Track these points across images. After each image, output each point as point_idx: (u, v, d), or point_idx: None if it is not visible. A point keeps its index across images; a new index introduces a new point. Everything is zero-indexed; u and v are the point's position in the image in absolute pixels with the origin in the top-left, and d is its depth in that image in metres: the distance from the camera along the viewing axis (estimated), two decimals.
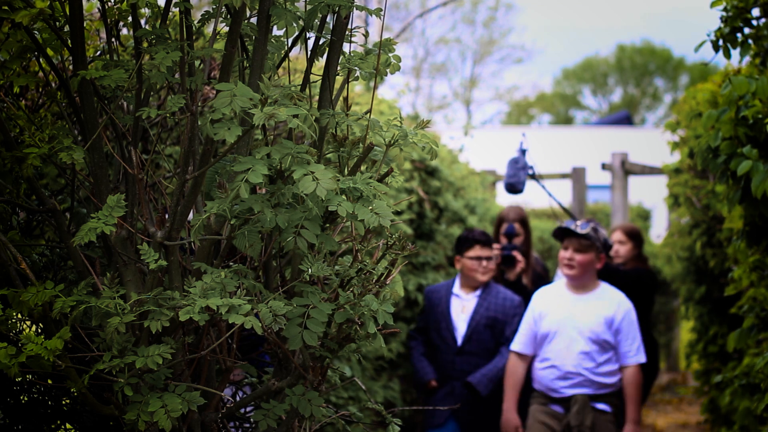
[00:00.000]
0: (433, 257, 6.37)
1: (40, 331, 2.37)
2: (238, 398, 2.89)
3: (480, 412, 5.20)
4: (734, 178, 3.72)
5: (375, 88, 2.58)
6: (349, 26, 2.45)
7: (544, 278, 6.16)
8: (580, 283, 4.95)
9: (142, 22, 2.83)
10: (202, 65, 2.57)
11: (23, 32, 2.47)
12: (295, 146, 2.15)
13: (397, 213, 5.46)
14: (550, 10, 67.62)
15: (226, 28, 2.38)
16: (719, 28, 4.07)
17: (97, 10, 3.22)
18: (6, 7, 2.33)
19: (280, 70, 2.75)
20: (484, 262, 5.30)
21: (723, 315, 6.54)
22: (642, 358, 4.85)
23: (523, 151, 6.09)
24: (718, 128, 3.75)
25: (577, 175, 9.52)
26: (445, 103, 33.97)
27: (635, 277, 6.16)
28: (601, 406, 4.84)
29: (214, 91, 2.15)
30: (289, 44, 2.56)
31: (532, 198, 9.01)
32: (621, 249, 6.54)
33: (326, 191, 2.07)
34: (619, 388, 4.87)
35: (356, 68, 2.47)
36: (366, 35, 2.58)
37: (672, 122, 6.75)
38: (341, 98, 2.51)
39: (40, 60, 2.65)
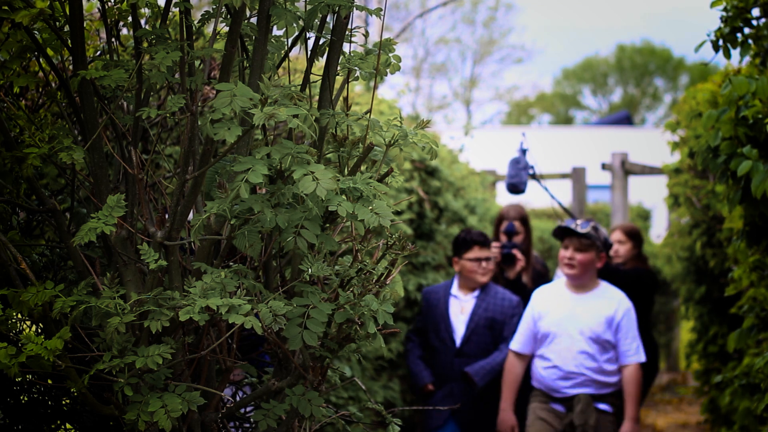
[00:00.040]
0: (433, 257, 6.37)
1: (40, 331, 2.37)
2: (238, 398, 2.89)
3: (479, 413, 5.19)
4: (734, 178, 3.72)
5: (375, 88, 2.58)
6: (349, 26, 2.45)
7: (544, 277, 6.15)
8: (581, 282, 4.93)
9: (142, 22, 2.83)
10: (202, 65, 2.57)
11: (23, 32, 2.47)
12: (295, 146, 2.15)
13: (397, 213, 5.45)
14: (550, 10, 67.65)
15: (226, 28, 2.38)
16: (719, 28, 4.07)
17: (97, 10, 3.22)
18: (6, 7, 2.33)
19: (280, 70, 2.75)
20: (484, 263, 5.28)
21: (723, 315, 6.54)
22: (641, 358, 4.84)
23: (523, 151, 6.08)
24: (718, 128, 3.75)
25: (577, 175, 9.52)
26: (445, 103, 33.99)
27: (635, 277, 6.15)
28: (602, 406, 4.84)
29: (214, 91, 2.15)
30: (289, 44, 2.56)
31: (533, 198, 9.01)
32: (621, 249, 6.53)
33: (326, 191, 2.07)
34: (619, 388, 4.87)
35: (356, 68, 2.47)
36: (366, 35, 2.58)
37: (672, 122, 6.75)
38: (341, 98, 2.51)
39: (40, 60, 2.65)
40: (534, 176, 6.17)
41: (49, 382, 2.56)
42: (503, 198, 11.30)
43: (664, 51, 41.59)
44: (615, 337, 4.83)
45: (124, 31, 3.17)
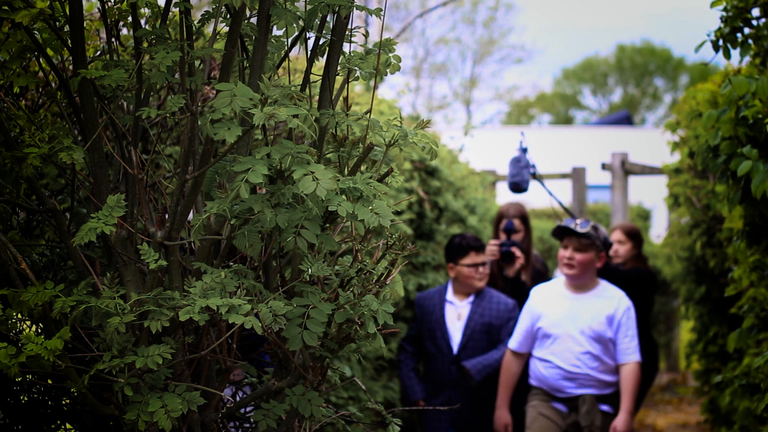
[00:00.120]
0: (433, 257, 6.37)
1: (40, 331, 2.37)
2: (238, 398, 2.89)
3: (478, 421, 5.15)
4: (734, 178, 3.72)
5: (375, 88, 2.58)
6: (349, 26, 2.45)
7: (543, 275, 6.12)
8: (580, 282, 4.91)
9: (142, 22, 2.83)
10: (202, 65, 2.57)
11: (23, 32, 2.47)
12: (295, 146, 2.15)
13: (397, 213, 5.44)
14: (550, 10, 67.65)
15: (226, 28, 2.38)
16: (719, 28, 4.07)
17: (97, 10, 3.22)
18: (6, 7, 2.33)
19: (280, 70, 2.75)
20: (480, 268, 5.21)
21: (723, 315, 6.54)
22: (638, 357, 4.82)
23: (524, 150, 6.05)
24: (718, 128, 3.75)
25: (577, 175, 9.52)
26: (445, 103, 33.99)
27: (635, 277, 6.14)
28: (604, 407, 4.83)
29: (214, 91, 2.15)
30: (289, 44, 2.56)
31: (533, 198, 9.01)
32: (620, 249, 6.52)
33: (326, 191, 2.06)
34: (619, 389, 4.86)
35: (356, 68, 2.47)
36: (366, 35, 2.58)
37: (672, 122, 6.75)
38: (341, 98, 2.51)
39: (40, 60, 2.65)
40: (535, 175, 6.15)
41: (49, 382, 2.56)
42: (503, 198, 11.30)
43: (664, 51, 41.59)
44: (615, 336, 4.82)
45: (124, 31, 3.17)
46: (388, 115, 5.75)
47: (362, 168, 2.43)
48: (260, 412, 2.40)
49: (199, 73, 2.41)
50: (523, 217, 5.96)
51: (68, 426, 2.77)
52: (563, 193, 9.78)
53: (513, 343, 4.99)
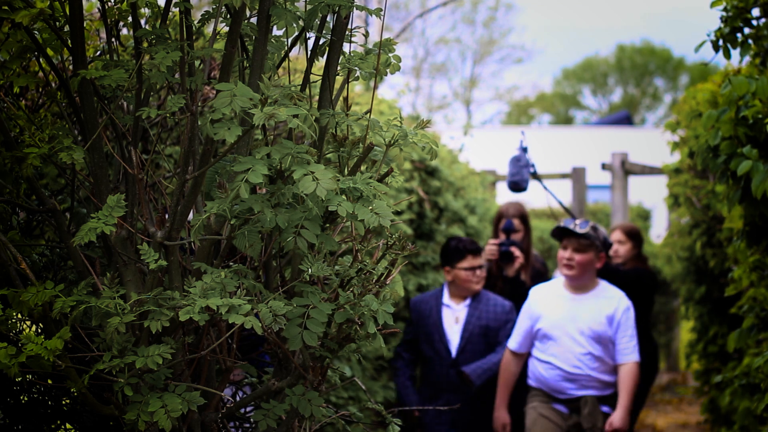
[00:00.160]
0: (433, 257, 6.36)
1: (40, 331, 2.37)
2: (238, 398, 2.89)
3: (478, 424, 5.13)
4: (734, 178, 3.72)
5: (375, 88, 2.58)
6: (349, 26, 2.45)
7: (543, 275, 6.10)
8: (580, 283, 4.89)
9: (142, 22, 2.83)
10: (202, 65, 2.57)
11: (23, 32, 2.47)
12: (295, 146, 2.15)
13: (397, 213, 5.43)
14: (550, 10, 67.65)
15: (226, 28, 2.38)
16: (719, 28, 4.07)
17: (97, 10, 3.22)
18: (6, 7, 2.33)
19: (280, 70, 2.75)
20: (478, 272, 5.18)
21: (723, 315, 6.54)
22: (637, 357, 4.80)
23: (524, 149, 6.03)
24: (718, 128, 3.75)
25: (577, 175, 9.53)
26: (445, 103, 33.98)
27: (635, 277, 6.13)
28: (605, 408, 4.81)
29: (214, 91, 2.15)
30: (289, 44, 2.56)
31: (533, 198, 9.02)
32: (620, 249, 6.51)
33: (326, 191, 2.06)
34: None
35: (356, 68, 2.47)
36: (366, 35, 2.58)
37: (672, 122, 6.75)
38: (341, 98, 2.51)
39: (40, 60, 2.65)
40: (535, 174, 6.12)
41: (49, 382, 2.56)
42: (503, 198, 11.30)
43: (664, 51, 41.60)
44: (614, 336, 4.81)
45: (124, 31, 3.17)
46: (388, 115, 5.74)
47: (362, 168, 2.43)
48: (260, 412, 2.40)
49: (199, 73, 2.41)
50: (523, 217, 5.94)
51: (68, 426, 2.77)
52: (563, 193, 9.78)
53: (512, 343, 4.97)
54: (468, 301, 5.20)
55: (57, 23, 2.48)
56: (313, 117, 2.22)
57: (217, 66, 3.28)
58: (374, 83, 2.50)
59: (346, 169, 2.45)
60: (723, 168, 3.77)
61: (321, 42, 2.51)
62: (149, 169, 2.42)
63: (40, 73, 2.73)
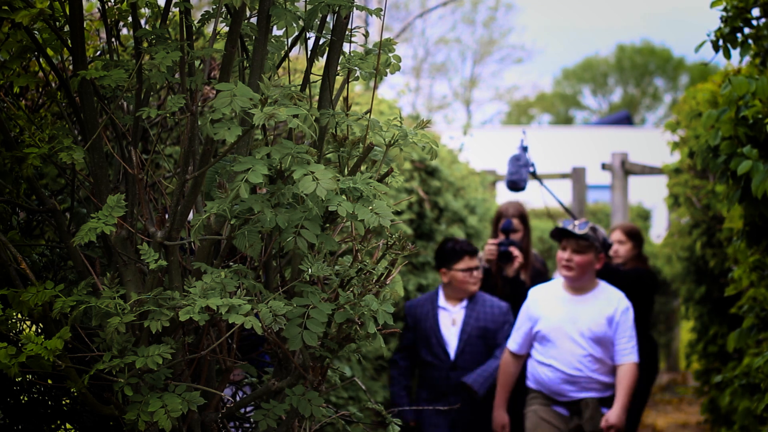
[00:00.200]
0: (433, 257, 6.36)
1: (40, 331, 2.37)
2: (238, 398, 2.89)
3: (479, 425, 5.11)
4: (734, 177, 3.72)
5: (375, 88, 2.58)
6: (349, 26, 2.45)
7: (543, 274, 6.08)
8: (579, 284, 4.85)
9: (142, 22, 2.83)
10: (202, 65, 2.57)
11: (23, 32, 2.47)
12: (295, 146, 2.15)
13: (397, 213, 5.42)
14: (550, 10, 67.64)
15: (226, 28, 2.38)
16: (719, 28, 4.07)
17: (97, 10, 3.22)
18: (6, 7, 2.33)
19: (280, 70, 2.75)
20: (475, 272, 5.14)
21: (723, 315, 6.54)
22: (635, 358, 4.77)
23: (524, 148, 5.99)
24: (718, 128, 3.75)
25: (577, 175, 9.53)
26: (445, 103, 33.98)
27: (635, 278, 6.11)
28: (605, 411, 4.79)
29: (214, 91, 2.15)
30: (289, 44, 2.56)
31: (533, 198, 9.02)
32: (621, 249, 6.49)
33: (326, 191, 2.06)
34: None
35: (356, 68, 2.47)
36: (366, 35, 2.58)
37: (672, 122, 6.75)
38: (341, 98, 2.51)
39: (40, 60, 2.65)
40: (534, 174, 6.10)
41: (49, 382, 2.56)
42: (503, 198, 11.30)
43: (664, 51, 41.60)
44: (614, 336, 4.79)
45: (124, 31, 3.17)
46: (388, 115, 5.75)
47: (362, 168, 2.43)
48: (260, 412, 2.40)
49: (199, 73, 2.41)
50: (522, 217, 5.92)
51: (68, 426, 2.77)
52: (563, 193, 9.78)
53: (512, 344, 4.94)
54: (464, 303, 5.16)
55: (57, 23, 2.48)
56: (313, 117, 2.22)
57: (217, 66, 3.28)
58: (374, 83, 2.51)
59: (346, 169, 2.45)
60: (723, 168, 3.77)
61: (321, 42, 2.51)
62: (149, 169, 2.42)
63: (40, 73, 2.73)
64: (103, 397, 2.37)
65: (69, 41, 2.35)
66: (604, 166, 9.22)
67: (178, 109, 2.26)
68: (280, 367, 2.52)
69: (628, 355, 4.76)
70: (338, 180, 2.17)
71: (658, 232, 15.49)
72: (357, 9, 2.39)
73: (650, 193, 15.55)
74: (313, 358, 2.44)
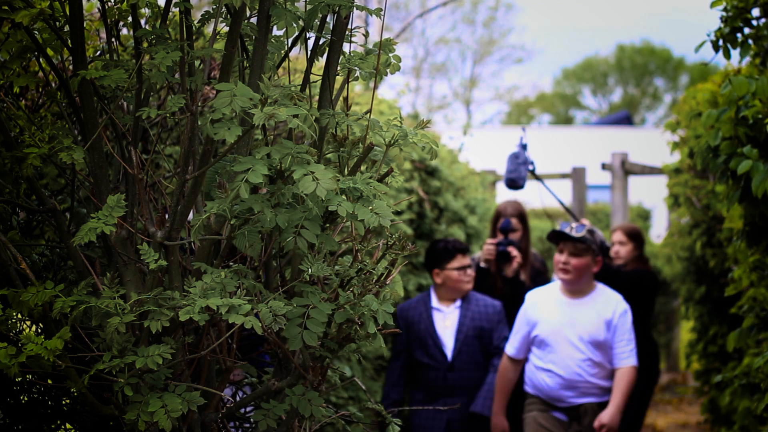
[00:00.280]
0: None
1: (40, 331, 2.37)
2: (238, 398, 2.89)
3: (475, 425, 5.10)
4: (734, 177, 3.72)
5: (375, 88, 2.58)
6: (349, 26, 2.45)
7: (542, 274, 6.05)
8: (576, 287, 4.81)
9: (142, 22, 2.83)
10: (202, 65, 2.57)
11: (23, 32, 2.47)
12: (295, 146, 2.15)
13: (397, 213, 5.41)
14: (550, 10, 67.64)
15: (226, 28, 2.38)
16: (719, 28, 4.07)
17: (97, 10, 3.22)
18: (6, 7, 2.33)
19: (280, 70, 2.75)
20: (468, 270, 5.11)
21: (723, 315, 6.54)
22: (634, 361, 4.73)
23: (523, 146, 5.96)
24: (718, 128, 3.75)
25: (577, 175, 9.53)
26: (445, 103, 33.98)
27: (635, 279, 6.07)
28: None
29: (214, 91, 2.15)
30: (289, 44, 2.56)
31: (532, 198, 9.01)
32: (621, 250, 6.43)
33: (326, 191, 2.06)
34: None
35: (356, 68, 2.47)
36: (366, 35, 2.58)
37: (672, 122, 6.75)
38: (341, 98, 2.51)
39: (40, 60, 2.65)
40: (533, 172, 6.07)
41: (49, 382, 2.56)
42: (503, 198, 11.30)
43: (664, 51, 41.60)
44: (612, 340, 4.75)
45: (124, 31, 3.17)
46: (388, 115, 5.74)
47: (362, 168, 2.43)
48: (260, 412, 2.40)
49: (199, 73, 2.41)
50: (521, 216, 5.88)
51: (68, 426, 2.77)
52: (563, 193, 9.79)
53: (510, 349, 4.89)
54: (458, 303, 5.12)
55: (57, 23, 2.48)
56: (313, 117, 2.22)
57: (217, 66, 3.28)
58: (374, 83, 2.51)
59: (346, 169, 2.45)
60: (723, 168, 3.77)
61: (321, 42, 2.51)
62: (149, 169, 2.42)
63: (40, 73, 2.73)
64: (103, 397, 2.37)
65: (69, 41, 2.35)
66: (604, 166, 9.21)
67: (178, 109, 2.26)
68: (280, 367, 2.52)
69: (626, 358, 4.71)
70: (338, 180, 2.18)
71: (658, 232, 15.49)
72: (357, 9, 2.39)
73: (650, 193, 15.54)
74: (313, 358, 2.44)
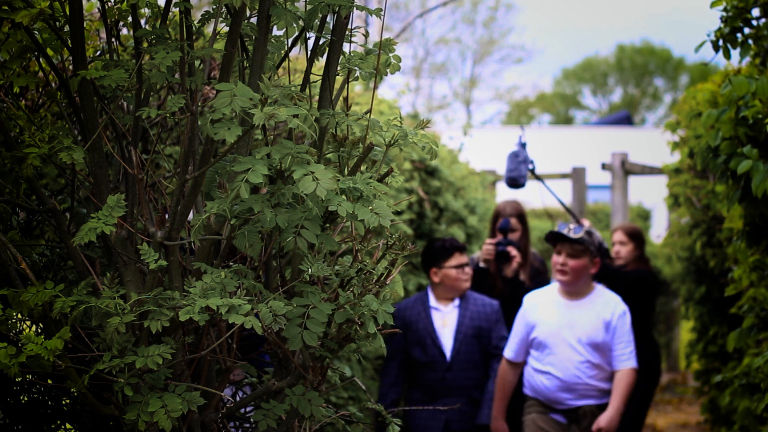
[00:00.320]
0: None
1: (40, 331, 2.37)
2: (238, 398, 2.89)
3: (474, 425, 5.09)
4: (734, 177, 3.72)
5: (375, 88, 2.58)
6: (349, 26, 2.45)
7: (542, 274, 6.03)
8: (575, 288, 4.79)
9: (142, 22, 2.83)
10: (202, 65, 2.57)
11: (23, 32, 2.47)
12: (295, 146, 2.15)
13: (397, 213, 5.40)
14: (550, 10, 67.63)
15: (226, 28, 2.38)
16: (719, 28, 4.07)
17: (97, 10, 3.22)
18: (6, 7, 2.33)
19: (280, 70, 2.75)
20: (466, 269, 5.09)
21: (723, 315, 6.54)
22: (634, 363, 4.71)
23: (522, 145, 5.94)
24: (718, 128, 3.75)
25: (577, 175, 9.53)
26: (445, 103, 33.97)
27: (636, 279, 6.06)
28: None
29: (214, 91, 2.15)
30: (289, 44, 2.56)
31: (532, 197, 9.02)
32: (622, 250, 6.40)
33: (326, 191, 2.07)
34: None
35: (356, 68, 2.47)
36: (366, 35, 2.58)
37: (672, 122, 6.76)
38: (341, 98, 2.51)
39: (40, 60, 2.65)
40: (533, 171, 6.05)
41: (49, 382, 2.56)
42: (503, 197, 11.30)
43: (664, 51, 41.59)
44: (611, 341, 4.73)
45: (124, 31, 3.18)
46: (388, 115, 5.75)
47: (362, 168, 2.43)
48: (260, 412, 2.40)
49: (199, 73, 2.41)
50: (520, 216, 5.86)
51: (68, 426, 2.77)
52: (563, 193, 9.79)
53: (509, 352, 4.88)
54: (456, 302, 5.10)
55: (57, 23, 2.48)
56: (313, 117, 2.22)
57: (217, 66, 3.28)
58: (374, 83, 2.51)
59: (346, 169, 2.45)
60: (723, 168, 3.77)
61: (321, 42, 2.51)
62: (149, 169, 2.42)
63: (40, 73, 2.73)
64: (103, 397, 2.37)
65: (69, 41, 2.35)
66: (604, 166, 9.21)
67: (178, 109, 2.26)
68: (280, 367, 2.52)
69: (626, 360, 4.70)
70: (338, 180, 2.18)
71: (658, 232, 15.49)
72: (357, 9, 2.39)
73: (650, 193, 15.54)
74: (313, 358, 2.44)
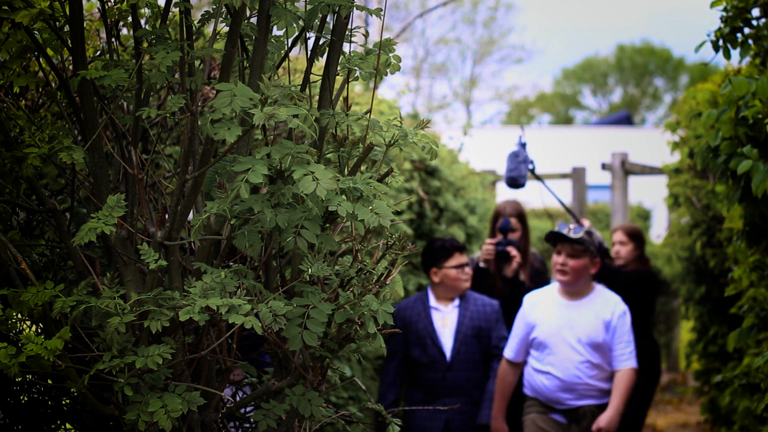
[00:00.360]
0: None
1: (40, 331, 2.37)
2: (238, 398, 2.89)
3: (474, 425, 5.08)
4: (734, 177, 3.72)
5: (375, 88, 2.58)
6: (349, 26, 2.45)
7: (542, 274, 6.03)
8: (575, 289, 4.79)
9: (142, 22, 2.83)
10: (202, 65, 2.57)
11: (23, 32, 2.47)
12: (295, 146, 2.15)
13: (397, 213, 5.40)
14: (550, 10, 67.61)
15: (226, 28, 2.38)
16: (719, 28, 4.07)
17: (97, 10, 3.22)
18: (6, 7, 2.33)
19: (280, 70, 2.75)
20: (466, 269, 5.09)
21: (723, 315, 6.54)
22: (634, 363, 4.71)
23: (522, 144, 5.93)
24: (718, 128, 3.75)
25: (577, 175, 9.53)
26: (445, 103, 33.97)
27: (636, 279, 6.05)
28: None
29: (214, 91, 2.15)
30: (289, 44, 2.56)
31: (532, 197, 9.01)
32: (622, 250, 6.40)
33: (326, 191, 2.07)
34: None
35: (356, 68, 2.47)
36: (366, 35, 2.58)
37: (672, 122, 6.76)
38: (341, 98, 2.51)
39: (40, 60, 2.65)
40: (533, 171, 6.05)
41: (49, 382, 2.56)
42: (503, 197, 11.30)
43: (664, 51, 41.59)
44: (611, 341, 4.73)
45: (124, 31, 3.18)
46: (388, 115, 5.74)
47: (362, 168, 2.43)
48: (260, 412, 2.40)
49: (199, 73, 2.41)
50: (520, 216, 5.86)
51: (68, 426, 2.77)
52: (563, 193, 9.79)
53: (509, 352, 4.87)
54: (456, 302, 5.10)
55: (57, 23, 2.48)
56: (313, 117, 2.22)
57: (217, 66, 3.28)
58: (374, 83, 2.51)
59: (346, 169, 2.45)
60: (723, 168, 3.77)
61: (321, 42, 2.51)
62: (149, 169, 2.42)
63: (40, 73, 2.73)
64: (103, 397, 2.37)
65: (69, 41, 2.35)
66: (604, 166, 9.21)
67: (178, 109, 2.26)
68: (280, 367, 2.52)
69: (626, 360, 4.69)
70: (338, 180, 2.18)
71: (658, 232, 15.49)
72: (357, 9, 2.39)
73: (650, 193, 15.54)
74: (313, 358, 2.44)
